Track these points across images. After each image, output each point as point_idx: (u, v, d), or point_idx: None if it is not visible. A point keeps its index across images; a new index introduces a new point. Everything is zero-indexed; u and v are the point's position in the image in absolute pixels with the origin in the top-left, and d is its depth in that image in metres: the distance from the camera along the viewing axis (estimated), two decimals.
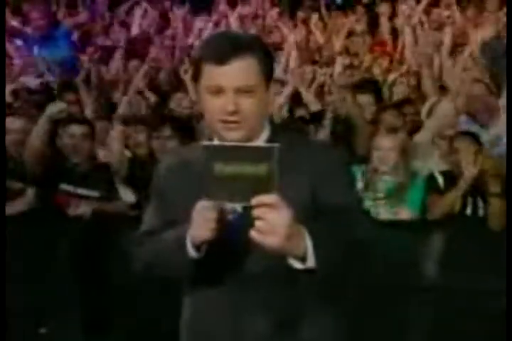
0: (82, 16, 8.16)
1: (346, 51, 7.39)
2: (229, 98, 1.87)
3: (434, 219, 4.25)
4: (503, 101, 4.98)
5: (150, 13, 8.38)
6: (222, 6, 8.34)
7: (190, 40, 8.00)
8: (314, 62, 7.22)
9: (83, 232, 4.34)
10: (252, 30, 7.75)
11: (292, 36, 7.37)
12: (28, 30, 7.72)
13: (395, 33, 7.60)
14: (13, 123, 4.52)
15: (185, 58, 6.78)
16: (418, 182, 4.32)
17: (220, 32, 2.50)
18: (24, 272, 4.23)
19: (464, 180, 4.17)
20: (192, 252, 1.85)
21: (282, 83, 5.81)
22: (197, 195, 1.75)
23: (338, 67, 6.50)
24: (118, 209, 4.51)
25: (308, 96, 5.82)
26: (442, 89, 5.67)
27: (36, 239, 4.23)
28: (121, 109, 5.27)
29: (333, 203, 1.89)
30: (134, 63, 6.90)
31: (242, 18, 8.16)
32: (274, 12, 8.56)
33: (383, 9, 7.95)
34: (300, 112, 5.57)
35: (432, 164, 4.55)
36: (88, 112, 5.51)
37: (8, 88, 5.93)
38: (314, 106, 5.63)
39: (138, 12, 8.35)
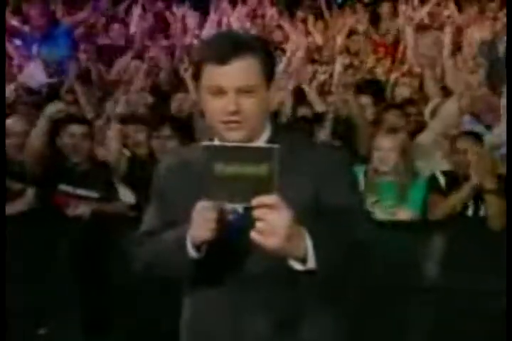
0: (81, 15, 8.15)
1: (347, 50, 7.39)
2: (230, 98, 1.87)
3: (435, 220, 4.23)
4: (503, 101, 4.98)
5: (148, 12, 8.38)
6: (224, 5, 8.33)
7: (188, 40, 7.99)
8: (314, 61, 7.21)
9: (83, 232, 4.34)
10: (253, 30, 7.73)
11: (296, 36, 7.36)
12: (27, 29, 7.71)
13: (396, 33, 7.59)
14: (13, 126, 4.53)
15: (185, 57, 6.77)
16: (419, 182, 4.31)
17: (220, 32, 2.50)
18: (24, 272, 4.23)
19: (471, 184, 4.11)
20: (192, 252, 1.84)
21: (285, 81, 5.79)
22: (197, 195, 1.74)
23: (338, 67, 6.49)
24: (117, 210, 4.51)
25: (312, 93, 5.80)
26: (444, 90, 5.65)
27: (36, 239, 4.23)
28: (119, 108, 5.27)
29: (334, 204, 1.88)
30: (134, 63, 6.89)
31: (241, 18, 8.16)
32: (274, 11, 8.55)
33: (384, 9, 7.95)
34: (302, 111, 5.55)
35: (434, 164, 4.54)
36: (86, 112, 5.51)
37: (8, 88, 5.94)
38: (319, 107, 5.61)
39: (136, 11, 8.34)
